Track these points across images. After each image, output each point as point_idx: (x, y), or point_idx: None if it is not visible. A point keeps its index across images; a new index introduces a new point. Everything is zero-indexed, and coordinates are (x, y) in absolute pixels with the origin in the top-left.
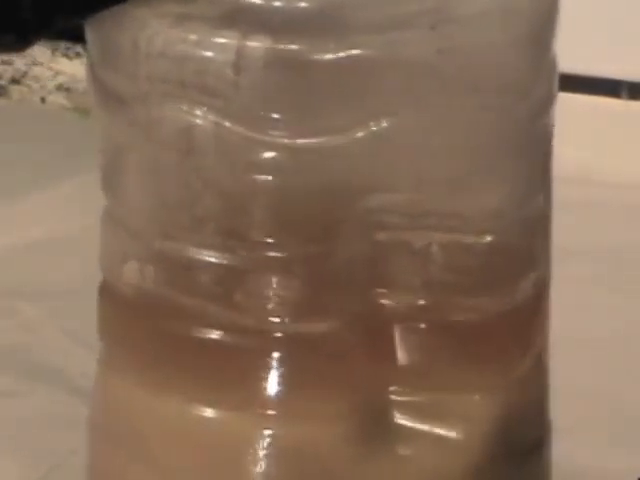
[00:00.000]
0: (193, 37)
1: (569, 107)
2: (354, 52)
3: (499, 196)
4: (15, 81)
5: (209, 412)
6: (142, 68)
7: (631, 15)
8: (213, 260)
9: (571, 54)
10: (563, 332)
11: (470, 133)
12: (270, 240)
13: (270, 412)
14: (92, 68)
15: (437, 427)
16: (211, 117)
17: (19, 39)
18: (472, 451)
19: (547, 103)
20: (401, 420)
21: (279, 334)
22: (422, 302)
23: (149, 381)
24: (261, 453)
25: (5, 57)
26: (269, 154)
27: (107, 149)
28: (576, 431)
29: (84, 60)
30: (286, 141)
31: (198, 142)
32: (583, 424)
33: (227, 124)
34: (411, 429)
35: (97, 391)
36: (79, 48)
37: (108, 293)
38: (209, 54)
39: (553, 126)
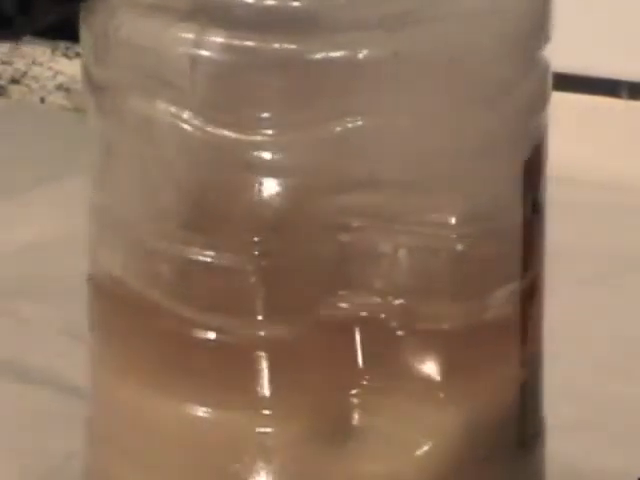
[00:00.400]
0: (155, 28)
1: (569, 107)
2: (308, 51)
3: (471, 202)
4: (15, 81)
5: (203, 412)
6: (111, 57)
7: (631, 15)
8: (194, 258)
9: (571, 54)
10: (563, 332)
11: (441, 136)
12: (228, 237)
13: (264, 412)
14: (83, 61)
15: (398, 433)
16: (169, 109)
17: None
18: (434, 459)
19: (535, 105)
20: (361, 424)
21: (254, 334)
22: (387, 306)
23: (141, 381)
24: (252, 453)
25: (5, 57)
26: (223, 148)
27: (95, 143)
28: (576, 431)
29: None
30: (238, 136)
31: (158, 133)
32: (583, 424)
33: (184, 116)
34: (371, 434)
35: (90, 391)
36: (79, 48)
37: (98, 291)
38: (168, 46)
39: (543, 130)
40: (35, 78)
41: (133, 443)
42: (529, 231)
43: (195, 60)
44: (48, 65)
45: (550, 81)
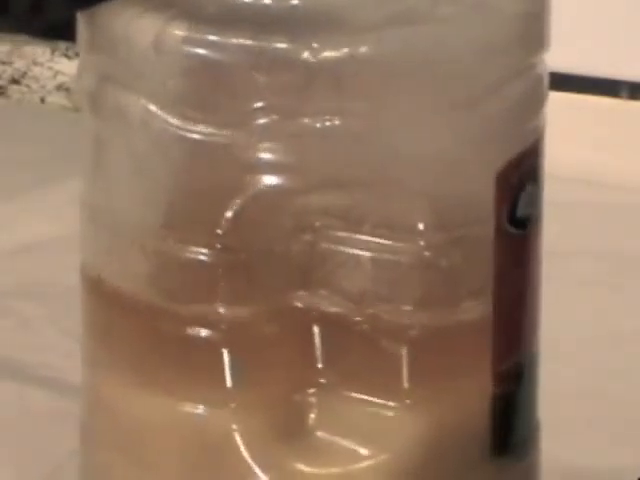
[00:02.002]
0: (125, 17)
1: (569, 107)
2: (278, 48)
3: (440, 209)
4: (14, 81)
5: (193, 409)
6: (89, 48)
7: (631, 15)
8: (173, 253)
9: (571, 54)
10: (563, 332)
11: (411, 140)
12: (197, 232)
13: (231, 405)
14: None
15: (351, 437)
16: (140, 100)
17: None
18: (388, 468)
19: (520, 113)
20: (316, 427)
21: (220, 327)
22: (349, 310)
23: (134, 379)
24: (218, 448)
25: (5, 57)
26: (188, 144)
27: (87, 138)
28: (576, 431)
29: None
30: (207, 133)
31: (131, 124)
32: (583, 424)
33: (151, 108)
34: (326, 435)
35: (84, 390)
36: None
37: (91, 290)
38: (135, 36)
39: (530, 138)
40: (35, 78)
41: (119, 438)
42: (506, 246)
43: (159, 52)
44: (48, 65)
45: (545, 89)
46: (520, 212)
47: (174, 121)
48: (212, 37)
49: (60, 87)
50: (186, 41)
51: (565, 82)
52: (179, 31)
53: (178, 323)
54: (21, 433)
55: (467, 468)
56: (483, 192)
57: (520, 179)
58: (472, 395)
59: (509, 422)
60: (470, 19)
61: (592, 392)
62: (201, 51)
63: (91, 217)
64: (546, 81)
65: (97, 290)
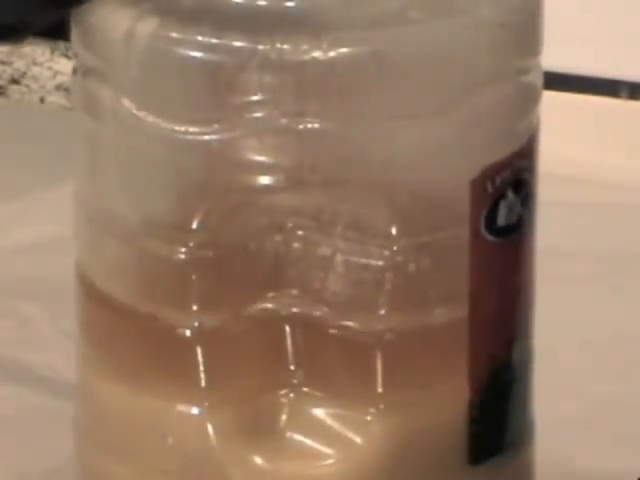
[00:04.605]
0: (102, 10)
1: (569, 107)
2: (230, 44)
3: (410, 213)
4: (14, 81)
5: (172, 407)
6: (79, 47)
7: (631, 15)
8: (154, 253)
9: (571, 54)
10: (563, 332)
11: (385, 144)
12: (171, 230)
13: (204, 403)
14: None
15: (326, 440)
16: (110, 90)
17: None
18: (351, 473)
19: (502, 117)
20: (288, 428)
21: (192, 325)
22: (321, 311)
23: (128, 379)
24: (193, 444)
25: (4, 57)
26: (155, 139)
27: (80, 136)
28: (576, 431)
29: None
30: (172, 127)
31: (105, 117)
32: (583, 424)
33: (122, 99)
34: (294, 436)
35: (77, 389)
36: None
37: (85, 291)
38: (109, 29)
39: (516, 144)
40: (35, 78)
41: (108, 437)
42: (482, 251)
43: (128, 47)
44: (48, 65)
45: (533, 95)
46: (501, 220)
47: (147, 118)
48: (182, 34)
49: (60, 87)
50: (155, 38)
51: (565, 82)
52: (150, 27)
53: (154, 322)
54: (20, 433)
55: (441, 474)
56: (455, 198)
57: (502, 185)
58: (447, 400)
59: (488, 428)
60: (441, 24)
61: (592, 392)
62: (170, 48)
63: (83, 216)
64: (536, 87)
65: (88, 289)
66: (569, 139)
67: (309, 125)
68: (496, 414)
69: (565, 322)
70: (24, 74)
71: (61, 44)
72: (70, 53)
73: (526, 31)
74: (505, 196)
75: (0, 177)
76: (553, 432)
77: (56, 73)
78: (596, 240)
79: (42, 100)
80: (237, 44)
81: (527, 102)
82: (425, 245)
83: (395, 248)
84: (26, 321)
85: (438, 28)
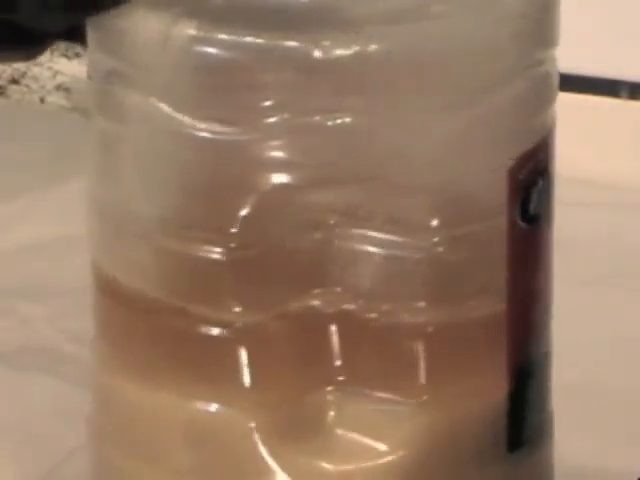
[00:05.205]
0: (134, 17)
1: (569, 107)
2: (290, 46)
3: (450, 205)
4: (14, 81)
5: (207, 407)
6: (97, 49)
7: (631, 15)
8: (183, 252)
9: (571, 54)
10: (563, 332)
11: (423, 138)
12: (209, 231)
13: (245, 404)
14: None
15: (372, 435)
16: (141, 94)
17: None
18: (408, 464)
19: (528, 108)
20: (335, 425)
21: (234, 326)
22: (362, 306)
23: (147, 378)
24: (234, 446)
25: None
26: (189, 139)
27: (96, 137)
28: (576, 431)
29: (83, 60)
30: (219, 131)
31: (132, 119)
32: (583, 424)
33: (154, 102)
34: (343, 435)
35: (94, 389)
36: (78, 48)
37: (103, 289)
38: (142, 32)
39: (540, 133)
40: (34, 78)
41: (133, 438)
42: (519, 241)
43: (166, 50)
44: (47, 65)
45: (554, 85)
46: (532, 207)
47: (183, 119)
48: (220, 35)
49: (60, 87)
50: (194, 40)
51: (565, 82)
52: (186, 29)
53: (192, 323)
54: (21, 433)
55: (482, 463)
56: (493, 188)
57: (532, 174)
58: (487, 391)
59: (523, 417)
60: (469, 17)
61: (592, 392)
62: (208, 49)
63: (100, 216)
64: (555, 77)
65: (108, 289)
66: (569, 139)
67: (345, 121)
68: (530, 403)
69: (565, 322)
70: (24, 74)
71: (61, 44)
72: (70, 53)
73: (545, 21)
74: (536, 184)
75: (0, 177)
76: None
77: (56, 73)
78: (596, 240)
79: (42, 100)
80: (275, 43)
81: (549, 90)
82: (463, 237)
83: (434, 240)
84: (26, 321)
85: (467, 20)
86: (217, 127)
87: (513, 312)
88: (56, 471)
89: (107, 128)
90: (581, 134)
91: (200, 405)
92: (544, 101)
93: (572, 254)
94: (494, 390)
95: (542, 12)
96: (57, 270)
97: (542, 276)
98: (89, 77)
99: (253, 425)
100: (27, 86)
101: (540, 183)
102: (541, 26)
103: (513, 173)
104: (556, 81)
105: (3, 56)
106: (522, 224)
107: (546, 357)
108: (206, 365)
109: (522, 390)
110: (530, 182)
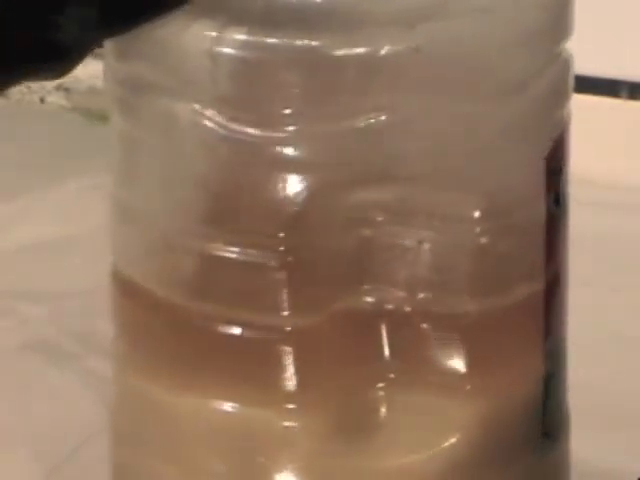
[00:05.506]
0: (176, 24)
1: None
2: (324, 47)
3: (492, 196)
4: None
5: (230, 408)
6: (122, 57)
7: (631, 15)
8: (218, 254)
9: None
10: None
11: (462, 131)
12: (249, 232)
13: (289, 406)
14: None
15: (423, 428)
16: (191, 105)
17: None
18: (460, 453)
19: (556, 99)
20: (388, 418)
21: (283, 329)
22: (409, 301)
23: (169, 378)
24: (278, 447)
25: None
26: (244, 145)
27: (119, 141)
28: (576, 431)
29: (83, 60)
30: (259, 133)
31: (180, 130)
32: (583, 424)
33: (206, 113)
34: (397, 427)
35: (115, 389)
36: None
37: (125, 289)
38: (189, 43)
39: (564, 124)
40: None
41: (163, 440)
42: (552, 225)
43: (216, 57)
44: None
45: (572, 75)
46: (562, 193)
47: (228, 124)
48: (271, 40)
49: (59, 87)
50: (246, 45)
51: None
52: (237, 36)
53: (239, 327)
54: (21, 433)
55: (524, 446)
56: (531, 176)
57: (560, 162)
58: (527, 375)
59: (554, 402)
60: (511, 8)
61: (593, 392)
62: (262, 54)
63: (125, 220)
64: (572, 67)
65: (135, 293)
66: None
67: (390, 119)
68: (558, 388)
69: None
70: None
71: None
72: None
73: (566, 12)
74: (562, 171)
75: (0, 177)
76: None
77: None
78: (596, 240)
79: (42, 100)
80: (331, 43)
81: (569, 78)
82: (505, 226)
83: (477, 231)
84: (26, 321)
85: (508, 12)
86: (260, 131)
87: (548, 295)
88: (57, 471)
89: (135, 134)
90: (581, 134)
91: (238, 408)
92: (567, 89)
93: (572, 254)
94: (533, 374)
95: (562, 3)
96: (57, 270)
97: (566, 259)
98: (105, 82)
99: (302, 427)
100: (27, 86)
101: (564, 170)
102: (563, 17)
103: (549, 161)
104: (572, 71)
105: (38, 73)
106: (555, 209)
107: (565, 343)
108: (251, 368)
109: (553, 374)
110: (559, 169)
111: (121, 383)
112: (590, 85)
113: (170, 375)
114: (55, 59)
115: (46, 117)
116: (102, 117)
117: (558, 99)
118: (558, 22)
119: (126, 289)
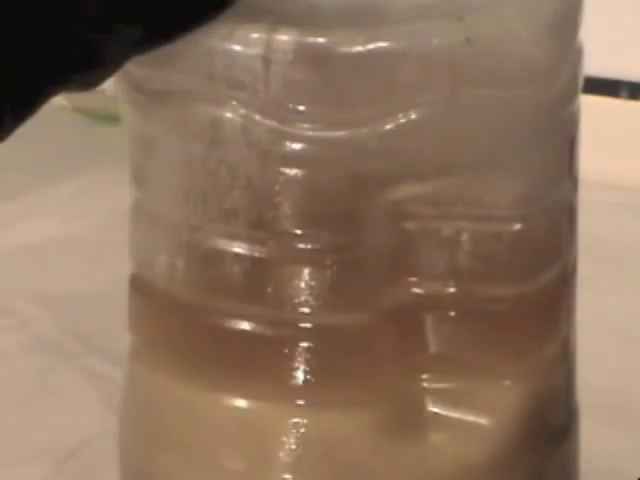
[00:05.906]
0: (222, 30)
1: None
2: (382, 44)
3: (524, 184)
4: None
5: (241, 403)
6: (172, 62)
7: (631, 15)
8: (243, 252)
9: None
10: None
11: (494, 122)
12: (298, 232)
13: (299, 402)
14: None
15: (468, 414)
16: (239, 110)
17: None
18: (502, 438)
19: (571, 90)
20: (433, 408)
21: (308, 325)
22: (451, 290)
23: (181, 373)
24: (292, 443)
25: None
26: (297, 146)
27: (137, 144)
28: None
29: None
30: (313, 134)
31: (226, 135)
32: (583, 424)
33: (256, 117)
34: (443, 417)
35: (128, 385)
36: None
37: (139, 286)
38: (237, 48)
39: (578, 113)
40: None
41: (180, 437)
42: (573, 210)
43: (267, 60)
44: None
45: (582, 66)
46: (577, 179)
47: (279, 127)
48: (323, 40)
49: None
50: (300, 46)
51: None
52: (288, 38)
53: (279, 327)
54: (21, 433)
55: (553, 429)
56: (559, 161)
57: (576, 150)
58: (553, 360)
59: (572, 389)
60: (530, 3)
61: (593, 392)
62: (315, 55)
63: (149, 222)
64: (582, 60)
65: (151, 290)
66: None
67: (432, 113)
68: (573, 377)
69: None
70: None
71: None
72: None
73: (578, 5)
74: (576, 158)
75: (0, 177)
76: None
77: None
78: (596, 240)
79: None
80: (388, 38)
81: (581, 76)
82: (542, 211)
83: (518, 218)
84: (26, 321)
85: (539, 4)
86: (318, 133)
87: (566, 281)
88: (57, 471)
89: (159, 138)
90: (581, 134)
91: (265, 406)
92: (581, 78)
93: None
94: (556, 358)
95: (573, 7)
96: (57, 270)
97: (577, 244)
98: (118, 85)
99: (351, 425)
100: None
101: (577, 157)
102: (580, 6)
103: (572, 146)
104: (582, 65)
105: (70, 85)
106: (574, 195)
107: (575, 332)
108: (283, 367)
109: (571, 356)
110: (576, 154)
111: (137, 382)
112: (590, 85)
113: (197, 374)
114: (92, 72)
115: (46, 117)
116: (103, 118)
117: (575, 89)
118: (574, 13)
119: (143, 288)
